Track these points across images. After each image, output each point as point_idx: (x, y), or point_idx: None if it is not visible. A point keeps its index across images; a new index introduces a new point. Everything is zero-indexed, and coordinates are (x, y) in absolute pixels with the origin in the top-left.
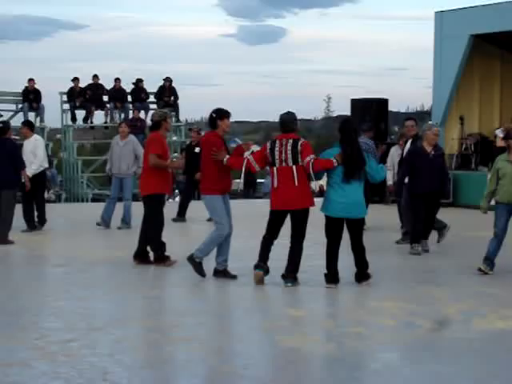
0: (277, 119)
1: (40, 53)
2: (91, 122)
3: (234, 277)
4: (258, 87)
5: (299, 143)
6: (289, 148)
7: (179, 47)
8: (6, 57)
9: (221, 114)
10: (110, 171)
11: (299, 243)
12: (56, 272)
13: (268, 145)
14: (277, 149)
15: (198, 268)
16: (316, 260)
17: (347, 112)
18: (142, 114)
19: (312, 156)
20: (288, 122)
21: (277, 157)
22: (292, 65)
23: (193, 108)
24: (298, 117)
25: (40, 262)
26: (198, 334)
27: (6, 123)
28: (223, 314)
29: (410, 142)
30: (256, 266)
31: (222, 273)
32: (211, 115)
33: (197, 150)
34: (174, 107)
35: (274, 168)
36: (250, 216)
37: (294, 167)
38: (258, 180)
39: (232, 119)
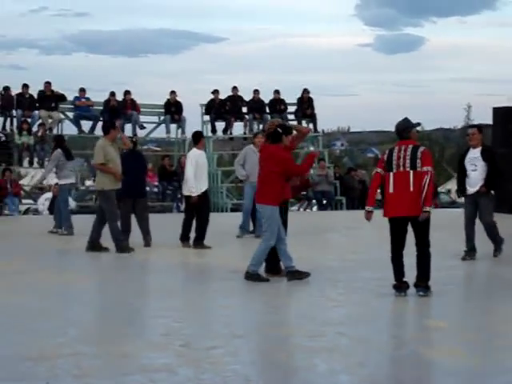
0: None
1: (181, 66)
2: (230, 133)
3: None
4: (395, 96)
5: (419, 150)
6: (408, 154)
7: (317, 58)
8: (148, 70)
9: (286, 130)
10: (245, 177)
11: (425, 250)
12: (198, 280)
13: (387, 151)
14: (395, 154)
15: (259, 278)
16: (454, 269)
17: (488, 121)
18: None
19: (431, 168)
20: (401, 130)
21: (394, 162)
22: (430, 73)
23: (330, 118)
24: (437, 126)
25: (181, 270)
26: (338, 344)
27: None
28: (363, 324)
29: (473, 150)
30: (396, 288)
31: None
32: (276, 130)
33: None
34: (312, 118)
35: (391, 173)
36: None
37: (411, 172)
38: None
39: (369, 129)
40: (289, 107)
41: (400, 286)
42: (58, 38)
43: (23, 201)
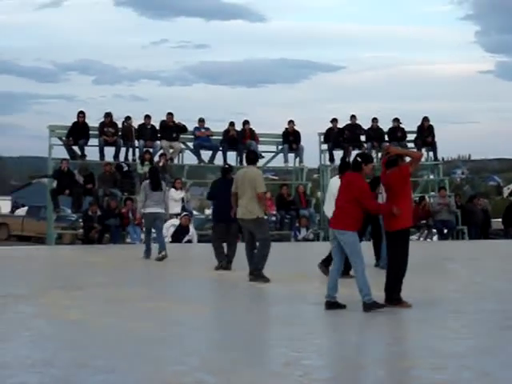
0: None
1: (299, 95)
2: (348, 162)
3: (344, 306)
4: None
5: None
6: None
7: (436, 85)
8: (267, 100)
9: (366, 159)
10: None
11: None
12: (317, 310)
13: None
14: None
15: (377, 306)
16: None
17: None
18: None
19: None
20: None
21: None
22: None
23: (450, 146)
24: None
25: (300, 300)
26: (462, 377)
27: (231, 166)
28: (488, 357)
29: None
30: None
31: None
32: (356, 159)
33: None
34: (432, 146)
35: None
36: (508, 256)
37: None
38: None
39: (491, 156)
40: (408, 135)
41: None
42: (179, 70)
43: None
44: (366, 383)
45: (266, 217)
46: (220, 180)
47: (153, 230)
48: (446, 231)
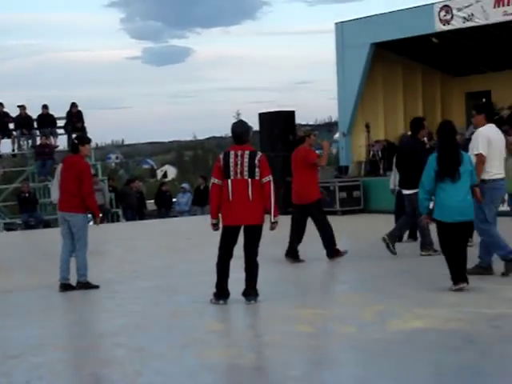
0: (188, 138)
1: None
2: None
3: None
4: (167, 107)
5: (257, 157)
6: (245, 160)
7: (86, 72)
8: None
9: (82, 141)
10: None
11: (255, 260)
12: None
13: (221, 157)
14: (231, 160)
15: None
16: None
17: (256, 126)
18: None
19: (270, 177)
20: (241, 133)
21: (232, 169)
22: (200, 83)
23: (103, 131)
24: (210, 135)
25: None
26: (116, 355)
27: None
28: (140, 333)
29: None
30: (217, 296)
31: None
32: (73, 141)
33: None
34: (82, 131)
35: (228, 180)
36: (163, 235)
37: (249, 181)
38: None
39: (144, 140)
40: (58, 122)
41: (224, 296)
42: None
43: None
44: (19, 371)
45: None
46: None
47: None
48: (101, 215)
